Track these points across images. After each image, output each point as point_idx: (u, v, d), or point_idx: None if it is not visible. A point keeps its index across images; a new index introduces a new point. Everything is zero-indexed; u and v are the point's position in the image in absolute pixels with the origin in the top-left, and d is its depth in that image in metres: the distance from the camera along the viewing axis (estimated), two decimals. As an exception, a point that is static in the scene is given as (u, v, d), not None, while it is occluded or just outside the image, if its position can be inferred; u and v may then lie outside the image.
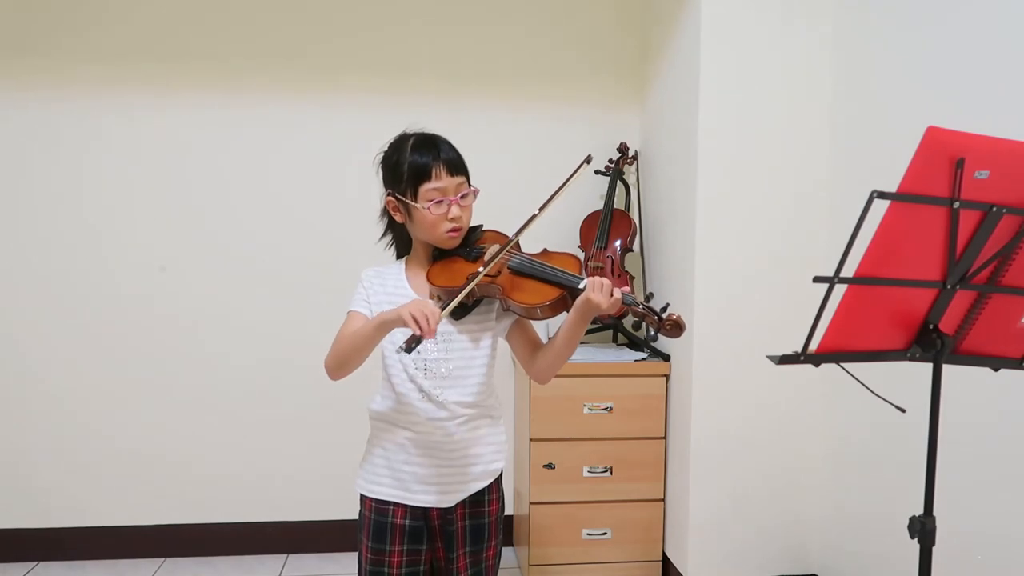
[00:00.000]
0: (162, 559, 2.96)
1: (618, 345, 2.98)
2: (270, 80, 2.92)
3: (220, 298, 2.95)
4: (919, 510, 1.30)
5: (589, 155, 1.56)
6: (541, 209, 1.51)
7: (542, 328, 1.54)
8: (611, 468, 2.68)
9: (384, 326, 1.43)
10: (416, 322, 1.34)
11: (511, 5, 3.03)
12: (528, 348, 1.58)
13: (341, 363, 1.50)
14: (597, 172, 3.04)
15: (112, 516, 2.94)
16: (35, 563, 2.90)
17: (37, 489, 2.91)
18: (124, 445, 2.93)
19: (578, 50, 3.07)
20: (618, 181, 3.00)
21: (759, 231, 2.47)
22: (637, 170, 3.10)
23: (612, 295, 1.37)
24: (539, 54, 3.05)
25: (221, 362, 2.96)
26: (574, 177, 1.54)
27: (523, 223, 1.51)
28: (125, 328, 2.92)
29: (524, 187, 3.06)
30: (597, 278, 1.39)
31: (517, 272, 1.50)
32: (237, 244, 2.95)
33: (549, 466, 2.65)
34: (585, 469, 2.67)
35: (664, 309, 1.39)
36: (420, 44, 2.99)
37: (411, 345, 1.37)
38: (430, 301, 1.43)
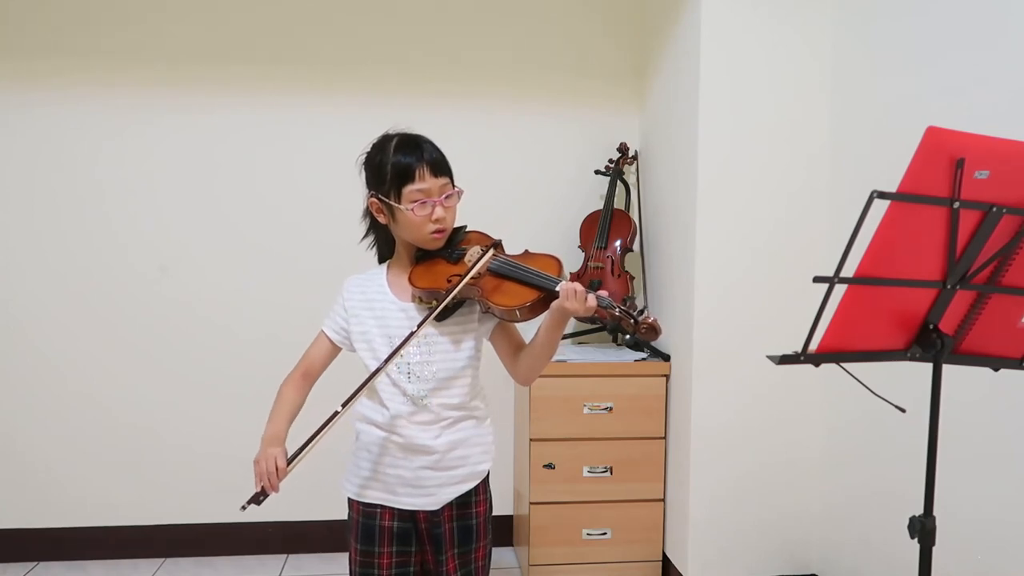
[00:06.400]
0: (162, 559, 2.96)
1: (618, 345, 2.98)
2: (279, 82, 2.93)
3: (222, 302, 2.96)
4: (919, 508, 1.30)
5: (498, 240, 1.53)
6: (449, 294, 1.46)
7: (528, 328, 1.54)
8: (611, 468, 2.68)
9: None
10: (257, 471, 1.45)
11: (511, 7, 3.03)
12: (511, 350, 1.59)
13: None
14: (597, 172, 3.05)
15: (112, 516, 2.94)
16: (35, 563, 2.90)
17: (38, 489, 2.91)
18: (125, 446, 2.93)
19: (578, 50, 3.07)
20: (618, 181, 3.00)
21: (759, 231, 2.47)
22: (637, 170, 3.10)
23: (587, 301, 1.36)
24: (539, 55, 3.05)
25: (222, 365, 2.96)
26: (479, 265, 1.49)
27: (431, 313, 1.47)
28: (126, 333, 2.92)
29: (525, 187, 3.08)
30: (570, 284, 1.38)
31: (497, 274, 1.50)
32: (246, 245, 2.96)
33: (549, 466, 2.65)
34: (585, 469, 2.67)
35: (641, 312, 1.38)
36: (421, 47, 2.99)
37: (257, 500, 1.44)
38: (281, 456, 1.46)
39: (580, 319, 1.70)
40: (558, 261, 1.51)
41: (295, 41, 2.94)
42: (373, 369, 1.52)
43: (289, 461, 1.45)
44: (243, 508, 1.43)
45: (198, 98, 2.91)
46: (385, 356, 1.50)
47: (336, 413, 1.43)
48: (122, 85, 2.87)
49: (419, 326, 1.46)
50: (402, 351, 1.47)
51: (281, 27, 2.93)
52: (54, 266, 2.88)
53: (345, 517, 1.66)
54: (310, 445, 1.43)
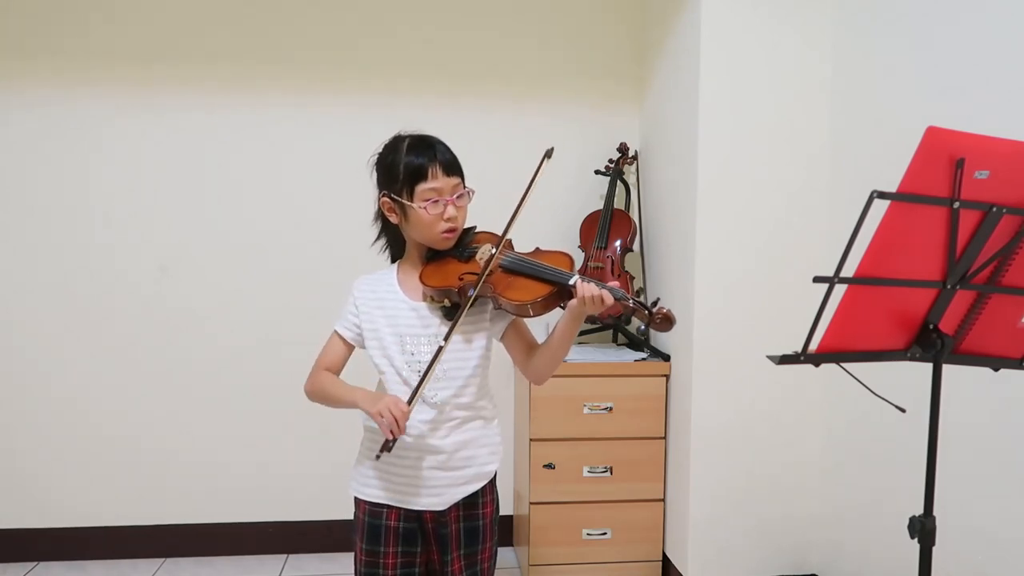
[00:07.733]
0: (162, 559, 2.95)
1: (618, 345, 2.98)
2: (279, 81, 2.93)
3: (222, 302, 2.96)
4: (919, 508, 1.30)
5: (550, 148, 1.56)
6: (513, 217, 1.52)
7: (540, 327, 1.54)
8: (611, 468, 2.68)
9: (356, 406, 1.49)
10: (384, 421, 1.39)
11: (511, 7, 3.03)
12: (524, 350, 1.59)
13: (318, 400, 1.59)
14: (597, 172, 3.05)
15: (112, 516, 2.94)
16: (35, 563, 2.90)
17: (37, 489, 2.91)
18: (124, 445, 2.93)
19: (577, 50, 3.07)
20: (618, 181, 3.00)
21: (759, 231, 2.47)
22: (637, 170, 3.10)
23: (604, 301, 1.37)
24: (538, 55, 3.05)
25: (222, 364, 2.96)
26: (539, 174, 1.54)
27: (502, 235, 1.52)
28: (127, 331, 2.92)
29: (525, 187, 3.07)
30: (586, 289, 1.37)
31: (508, 270, 1.51)
32: (245, 246, 2.96)
33: (549, 466, 2.65)
34: (585, 469, 2.67)
35: (655, 304, 1.39)
36: (421, 47, 2.99)
37: (386, 448, 1.43)
38: (401, 399, 1.43)
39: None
40: (569, 257, 1.53)
41: (296, 41, 2.94)
42: (384, 367, 1.53)
43: (408, 402, 1.43)
44: (377, 457, 1.46)
45: (198, 98, 2.90)
46: (396, 355, 1.51)
47: (440, 348, 1.44)
48: (121, 85, 2.87)
49: (454, 323, 1.45)
50: (413, 350, 1.49)
51: (282, 27, 2.93)
52: (54, 267, 2.88)
53: (346, 517, 1.65)
54: (423, 383, 1.44)
